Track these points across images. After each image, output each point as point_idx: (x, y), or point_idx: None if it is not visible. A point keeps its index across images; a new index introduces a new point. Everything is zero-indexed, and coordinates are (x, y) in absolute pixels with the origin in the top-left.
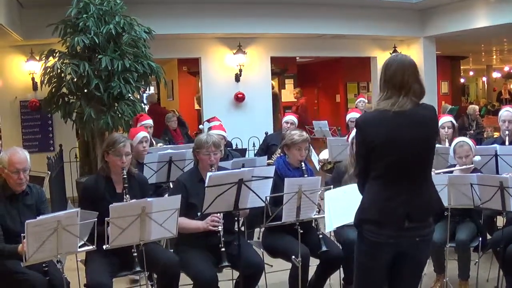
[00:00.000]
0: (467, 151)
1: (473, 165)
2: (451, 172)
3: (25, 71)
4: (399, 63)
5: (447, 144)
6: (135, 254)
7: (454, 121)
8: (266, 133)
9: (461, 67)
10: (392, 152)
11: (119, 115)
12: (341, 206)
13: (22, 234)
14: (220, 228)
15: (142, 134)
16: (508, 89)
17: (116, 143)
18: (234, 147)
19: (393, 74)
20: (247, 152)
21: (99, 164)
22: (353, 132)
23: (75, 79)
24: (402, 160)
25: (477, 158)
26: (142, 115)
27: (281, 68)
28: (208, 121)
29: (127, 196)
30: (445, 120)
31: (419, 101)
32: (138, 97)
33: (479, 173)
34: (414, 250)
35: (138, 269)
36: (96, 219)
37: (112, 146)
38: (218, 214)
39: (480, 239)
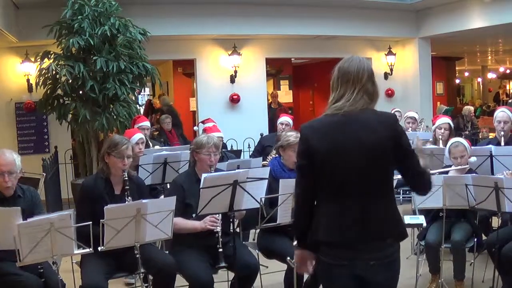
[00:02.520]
0: (462, 151)
1: (468, 166)
2: (446, 172)
3: (20, 73)
4: (355, 62)
5: (441, 145)
6: (138, 255)
7: (451, 123)
8: (261, 135)
9: (456, 68)
10: (339, 165)
11: (114, 117)
12: None
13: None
14: (219, 228)
15: (139, 136)
16: (506, 91)
17: (119, 145)
18: (229, 148)
19: (347, 70)
20: (242, 153)
21: (94, 166)
22: None
23: (70, 81)
24: (351, 172)
25: (473, 159)
26: (139, 116)
27: (276, 69)
28: (203, 122)
29: (129, 198)
30: (443, 121)
31: (372, 103)
32: (134, 98)
33: (474, 174)
34: (372, 274)
35: (142, 270)
36: (90, 222)
37: (114, 148)
38: (217, 215)
39: (476, 239)
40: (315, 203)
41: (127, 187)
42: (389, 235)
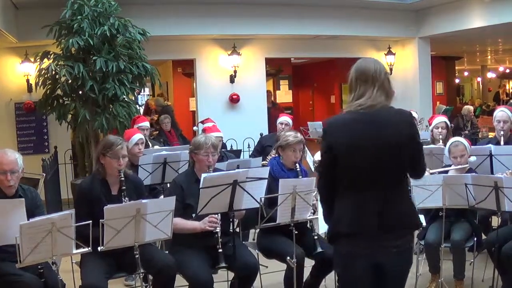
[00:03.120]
0: (462, 150)
1: (468, 165)
2: (446, 172)
3: (20, 73)
4: (372, 62)
5: (441, 143)
6: (137, 256)
7: (448, 122)
8: (261, 134)
9: (456, 68)
10: (358, 157)
11: (114, 117)
12: None
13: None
14: (218, 228)
15: (138, 136)
16: (506, 90)
17: (114, 146)
18: (229, 148)
19: (364, 70)
20: (242, 153)
21: (94, 166)
22: None
23: (70, 81)
24: (370, 166)
25: (473, 158)
26: (139, 116)
27: (276, 69)
28: (202, 122)
29: (126, 198)
30: (439, 120)
31: (388, 100)
32: (133, 98)
33: (474, 173)
34: (392, 262)
35: (142, 270)
36: (90, 221)
37: (109, 148)
38: (216, 215)
39: (475, 239)
40: (336, 196)
41: (124, 187)
42: (407, 224)
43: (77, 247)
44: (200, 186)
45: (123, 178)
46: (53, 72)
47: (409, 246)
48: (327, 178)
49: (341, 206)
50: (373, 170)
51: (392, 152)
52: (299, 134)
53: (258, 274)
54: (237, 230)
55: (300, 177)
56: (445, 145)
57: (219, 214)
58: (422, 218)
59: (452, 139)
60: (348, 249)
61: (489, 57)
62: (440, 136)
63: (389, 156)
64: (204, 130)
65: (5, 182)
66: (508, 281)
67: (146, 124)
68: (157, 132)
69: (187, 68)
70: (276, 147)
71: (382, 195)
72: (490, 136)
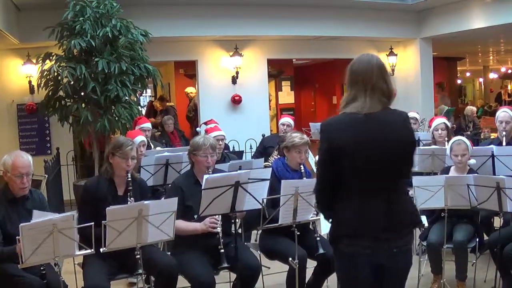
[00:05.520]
0: (464, 149)
1: (468, 167)
2: (447, 172)
3: (22, 74)
4: (364, 62)
5: (446, 145)
6: (138, 256)
7: (447, 122)
8: (263, 136)
9: (458, 68)
10: (363, 159)
11: (116, 118)
12: None
13: (17, 237)
14: (219, 229)
15: (140, 138)
16: (508, 91)
17: (124, 146)
18: (231, 149)
19: (355, 71)
20: (244, 154)
21: (96, 167)
22: None
23: (72, 82)
24: (375, 167)
25: (473, 161)
26: (140, 118)
27: (277, 70)
28: (205, 123)
29: (132, 199)
30: (438, 122)
31: (389, 102)
32: (135, 99)
33: (476, 174)
34: (392, 261)
35: (140, 271)
36: (93, 223)
37: (119, 149)
38: (217, 216)
39: (477, 240)
40: (337, 199)
41: (130, 188)
42: (409, 223)
43: (80, 248)
44: (202, 187)
45: (130, 179)
46: (55, 74)
47: (410, 246)
48: (328, 180)
49: (345, 207)
50: (378, 172)
51: (396, 153)
52: (305, 136)
53: (260, 275)
54: (240, 231)
55: (304, 178)
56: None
57: (220, 215)
58: (424, 218)
59: (455, 138)
60: (349, 250)
61: (491, 57)
62: (440, 138)
63: (393, 157)
64: (206, 131)
65: (20, 185)
66: (508, 282)
67: (148, 125)
68: (160, 133)
69: (189, 69)
70: (282, 148)
71: (387, 196)
72: (492, 137)
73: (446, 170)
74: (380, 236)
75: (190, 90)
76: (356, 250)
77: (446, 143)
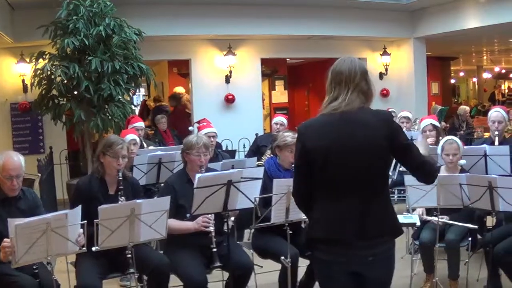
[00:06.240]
0: (455, 149)
1: (459, 166)
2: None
3: (16, 73)
4: (347, 63)
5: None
6: (129, 255)
7: (435, 123)
8: (256, 135)
9: (452, 68)
10: (333, 161)
11: (109, 117)
12: None
13: (9, 237)
14: (212, 228)
15: (131, 136)
16: (502, 91)
17: (114, 145)
18: (224, 148)
19: (338, 72)
20: (237, 153)
21: (89, 166)
22: None
23: (65, 81)
24: (350, 170)
25: (463, 161)
26: (133, 117)
27: (271, 69)
28: (198, 122)
29: (122, 198)
30: (426, 123)
31: (368, 103)
32: (128, 99)
33: (468, 173)
34: (369, 270)
35: (131, 270)
36: (86, 221)
37: (110, 148)
38: (209, 215)
39: (470, 238)
40: (312, 201)
41: (121, 187)
42: (387, 231)
43: (72, 247)
44: (195, 186)
45: (121, 178)
46: (49, 72)
47: (389, 254)
48: (304, 183)
49: (319, 211)
50: (352, 174)
51: (371, 154)
52: (296, 135)
53: (253, 273)
54: (232, 230)
55: None
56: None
57: (213, 214)
58: (416, 217)
59: (447, 137)
60: (326, 257)
61: (484, 57)
62: (429, 139)
63: (368, 159)
64: (198, 128)
65: (11, 187)
66: (494, 283)
67: (141, 124)
68: (153, 131)
69: (182, 68)
70: (274, 147)
71: (362, 201)
72: (485, 136)
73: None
74: (353, 242)
75: (179, 90)
76: (332, 258)
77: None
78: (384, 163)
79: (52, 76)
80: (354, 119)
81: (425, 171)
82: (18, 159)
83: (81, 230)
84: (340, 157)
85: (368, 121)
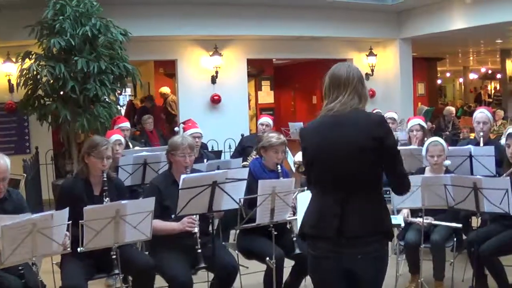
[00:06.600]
0: (440, 150)
1: (444, 167)
2: (423, 172)
3: (2, 73)
4: (345, 67)
5: (415, 145)
6: (114, 256)
7: (422, 123)
8: (242, 135)
9: (438, 68)
10: (322, 161)
11: (95, 117)
12: None
13: None
14: (196, 229)
15: (116, 137)
16: (488, 91)
17: (99, 146)
18: (210, 149)
19: (337, 76)
20: (223, 154)
21: (75, 166)
22: None
23: (51, 81)
24: (333, 169)
25: (447, 162)
26: (119, 117)
27: (257, 70)
28: (184, 123)
29: (107, 199)
30: (413, 123)
31: (361, 104)
32: (114, 99)
33: (453, 174)
34: (359, 268)
35: (116, 271)
36: (70, 222)
37: (94, 148)
38: (194, 216)
39: (455, 239)
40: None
41: (106, 188)
42: (373, 231)
43: (57, 247)
44: (180, 187)
45: (105, 179)
46: (35, 73)
47: (379, 254)
48: (309, 178)
49: (309, 206)
50: (335, 172)
51: (358, 154)
52: (282, 136)
53: (238, 274)
54: (218, 230)
55: (281, 178)
56: (420, 146)
57: (197, 215)
58: (400, 218)
59: (431, 139)
60: (316, 253)
61: (471, 58)
62: (415, 139)
63: (355, 159)
64: (183, 129)
65: None
66: (481, 284)
67: (127, 124)
68: (139, 132)
69: (168, 69)
70: (259, 148)
71: (344, 198)
72: (471, 137)
73: (421, 171)
74: (333, 239)
75: (164, 90)
76: (319, 254)
77: (416, 143)
78: (371, 164)
79: (38, 76)
80: (346, 119)
81: (404, 183)
82: (5, 162)
83: (67, 232)
84: (327, 156)
85: (359, 122)
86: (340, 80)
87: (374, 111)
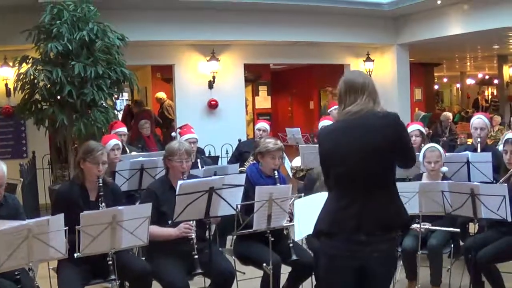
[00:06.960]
0: (437, 156)
1: (441, 173)
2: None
3: None
4: (357, 73)
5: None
6: (110, 262)
7: (422, 129)
8: (239, 140)
9: (435, 74)
10: (339, 162)
11: (92, 122)
12: (310, 215)
13: None
14: (193, 235)
15: (114, 141)
16: (485, 97)
17: (94, 151)
18: (207, 154)
19: (353, 81)
20: (220, 159)
21: (72, 171)
22: None
23: (48, 86)
24: (350, 170)
25: (445, 169)
26: (116, 122)
27: (254, 75)
28: (181, 128)
29: (103, 204)
30: (413, 128)
31: (375, 106)
32: (111, 104)
33: (450, 180)
34: (374, 265)
35: (112, 277)
36: (67, 227)
37: (90, 154)
38: (191, 222)
39: (452, 245)
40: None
41: (101, 193)
42: (391, 227)
43: (54, 252)
44: (177, 193)
45: (101, 184)
46: (32, 77)
47: (392, 252)
48: (326, 178)
49: (326, 204)
50: (354, 173)
51: (375, 155)
52: (279, 142)
53: (235, 280)
54: (215, 236)
55: (278, 184)
56: (418, 152)
57: (194, 221)
58: None
59: (428, 145)
60: (330, 251)
61: (468, 63)
62: (415, 145)
63: (371, 159)
64: (179, 134)
65: None
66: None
67: (124, 129)
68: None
69: (165, 74)
70: (256, 154)
71: (365, 198)
72: (468, 143)
73: (418, 177)
74: (352, 237)
75: (161, 95)
76: (336, 253)
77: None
78: (388, 162)
79: (35, 81)
80: (362, 121)
81: (412, 160)
82: (1, 168)
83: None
84: (343, 157)
85: (375, 123)
86: (357, 86)
87: None
